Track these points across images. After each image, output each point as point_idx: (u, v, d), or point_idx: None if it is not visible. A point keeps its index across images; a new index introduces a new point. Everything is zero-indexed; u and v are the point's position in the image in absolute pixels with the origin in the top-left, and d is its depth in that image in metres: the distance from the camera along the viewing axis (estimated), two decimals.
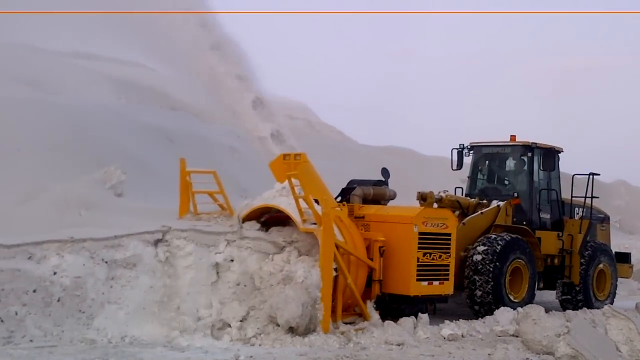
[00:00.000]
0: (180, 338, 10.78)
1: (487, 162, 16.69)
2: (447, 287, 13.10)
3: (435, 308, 13.32)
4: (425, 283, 12.73)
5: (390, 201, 14.02)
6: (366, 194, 13.56)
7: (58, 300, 10.26)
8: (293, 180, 11.90)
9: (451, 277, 13.15)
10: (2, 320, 9.86)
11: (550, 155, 15.85)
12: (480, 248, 14.18)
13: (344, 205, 13.03)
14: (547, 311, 12.78)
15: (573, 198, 16.90)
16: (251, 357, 9.86)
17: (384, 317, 12.48)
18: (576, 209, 17.00)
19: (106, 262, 10.74)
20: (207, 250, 11.48)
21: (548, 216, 16.20)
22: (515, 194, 15.59)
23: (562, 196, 16.81)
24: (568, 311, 14.93)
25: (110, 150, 17.26)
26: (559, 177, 16.72)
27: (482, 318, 13.56)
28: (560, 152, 16.64)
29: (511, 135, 16.26)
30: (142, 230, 11.27)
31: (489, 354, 10.55)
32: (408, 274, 12.50)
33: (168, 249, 11.33)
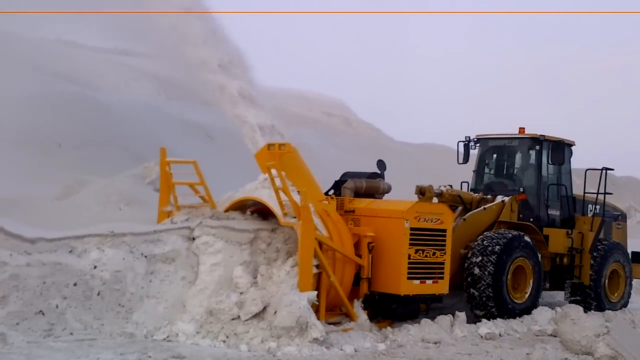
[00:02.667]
0: (215, 333, 10.38)
1: (493, 155, 15.89)
2: (441, 287, 12.34)
3: (429, 308, 12.57)
4: (417, 282, 11.99)
5: (386, 195, 13.31)
6: (358, 187, 12.86)
7: (98, 294, 10.20)
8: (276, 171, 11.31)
9: (446, 275, 12.38)
10: (43, 313, 9.76)
11: (559, 148, 14.99)
12: (480, 245, 13.40)
13: (332, 198, 12.33)
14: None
15: (586, 194, 16.03)
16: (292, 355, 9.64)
17: (374, 317, 11.89)
18: (589, 205, 16.15)
19: (145, 257, 10.71)
20: (238, 248, 11.08)
21: (557, 213, 15.35)
22: (521, 189, 14.79)
23: (574, 192, 15.98)
24: (607, 311, 14.36)
25: (149, 146, 17.20)
26: (570, 172, 15.87)
27: (520, 318, 13.16)
28: (571, 146, 15.78)
29: (520, 128, 15.46)
30: (181, 225, 11.19)
31: (527, 354, 10.20)
32: (398, 272, 11.77)
33: (196, 245, 11.10)
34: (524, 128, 15.42)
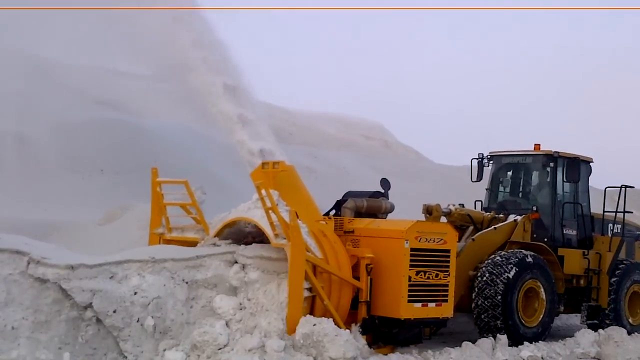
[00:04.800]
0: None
1: (507, 173, 15.35)
2: (445, 310, 11.77)
3: (433, 332, 12.02)
4: (419, 305, 11.42)
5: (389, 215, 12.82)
6: (359, 206, 12.36)
7: (137, 321, 9.83)
8: (271, 191, 10.89)
9: (451, 298, 11.82)
10: (85, 340, 9.58)
11: (574, 165, 14.40)
12: (489, 266, 12.84)
13: (330, 218, 11.86)
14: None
15: (605, 213, 15.39)
16: None
17: (375, 342, 11.37)
18: (610, 225, 15.50)
19: (187, 283, 10.37)
20: (275, 277, 10.59)
21: (574, 232, 14.74)
22: (535, 208, 14.20)
23: (593, 211, 15.35)
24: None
25: (190, 170, 17.27)
26: (588, 190, 15.26)
27: (562, 340, 12.97)
28: (589, 163, 15.20)
29: (535, 144, 14.92)
30: (224, 250, 10.89)
31: None
32: (398, 295, 11.22)
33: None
34: (539, 145, 14.88)
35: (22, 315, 9.30)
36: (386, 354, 11.14)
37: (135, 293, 9.92)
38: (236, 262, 10.71)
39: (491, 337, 12.24)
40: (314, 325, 10.12)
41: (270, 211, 10.29)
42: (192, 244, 11.53)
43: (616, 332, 12.03)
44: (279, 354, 9.62)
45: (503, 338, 12.21)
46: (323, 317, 10.34)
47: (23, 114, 17.97)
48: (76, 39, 14.54)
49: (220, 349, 9.91)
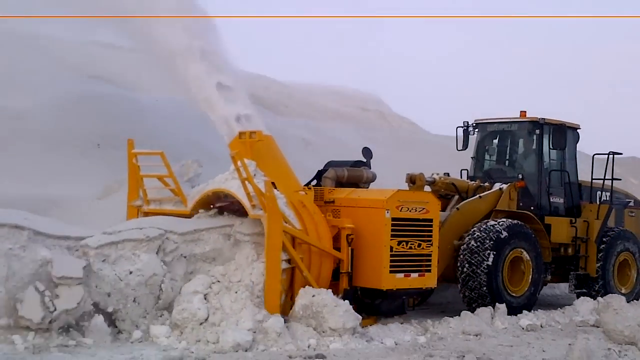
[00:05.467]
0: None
1: (492, 141, 15.10)
2: (429, 280, 11.58)
3: (417, 303, 11.84)
4: (401, 275, 11.22)
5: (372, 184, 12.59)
6: (339, 176, 12.12)
7: (134, 300, 9.75)
8: (248, 161, 10.68)
9: (434, 268, 11.63)
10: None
11: (561, 132, 14.15)
12: (474, 236, 12.63)
13: (309, 188, 11.63)
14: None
15: (594, 181, 15.16)
16: (334, 355, 9.24)
17: (358, 313, 11.12)
18: (598, 192, 15.28)
19: (185, 257, 10.29)
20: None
21: (561, 201, 14.52)
22: (520, 176, 13.98)
23: (581, 179, 15.13)
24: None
25: (186, 145, 17.37)
26: (576, 157, 15.03)
27: (561, 308, 13.08)
28: (576, 129, 14.97)
29: (521, 111, 14.66)
30: (223, 223, 10.68)
31: (569, 344, 9.67)
32: (379, 265, 11.01)
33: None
34: (525, 112, 14.63)
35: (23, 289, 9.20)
36: (369, 325, 10.95)
37: (131, 272, 9.76)
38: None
39: (490, 307, 12.17)
40: (313, 296, 10.10)
41: (246, 182, 10.06)
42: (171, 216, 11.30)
43: (615, 300, 12.01)
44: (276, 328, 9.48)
45: (502, 307, 12.13)
46: (322, 288, 10.27)
47: (17, 89, 17.83)
48: (67, 13, 14.32)
49: (201, 323, 9.68)
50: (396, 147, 28.28)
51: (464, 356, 9.19)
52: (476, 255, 12.44)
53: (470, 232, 12.74)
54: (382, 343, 10.17)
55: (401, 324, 11.19)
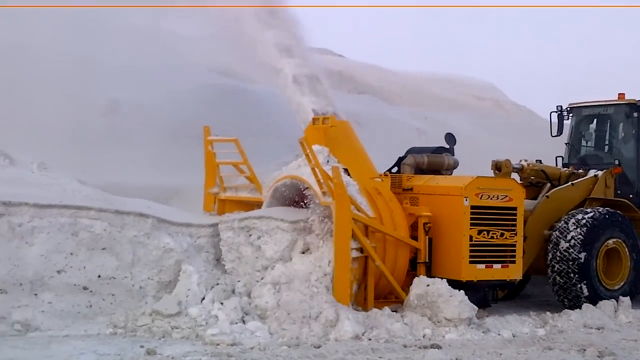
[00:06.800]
0: None
1: (588, 125, 14.28)
2: (513, 271, 11.03)
3: (498, 296, 11.32)
4: (483, 266, 10.73)
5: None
6: (419, 162, 11.70)
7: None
8: (321, 147, 10.44)
9: (519, 259, 11.06)
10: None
11: None
12: (566, 225, 11.93)
13: (386, 175, 11.23)
14: None
15: None
16: (449, 345, 9.10)
17: None
18: None
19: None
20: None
21: None
22: (617, 162, 13.18)
23: None
24: None
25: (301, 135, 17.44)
26: None
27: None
28: None
29: (619, 94, 13.82)
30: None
31: None
32: (459, 256, 10.56)
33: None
34: (623, 94, 13.79)
35: (147, 275, 9.73)
36: None
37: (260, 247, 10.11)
38: None
39: (613, 300, 11.63)
40: (428, 285, 9.97)
41: (315, 168, 9.77)
42: (247, 203, 11.16)
43: None
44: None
45: (626, 300, 11.65)
46: (436, 278, 10.12)
47: (140, 83, 18.28)
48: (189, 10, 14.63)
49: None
50: (512, 135, 27.75)
51: (584, 350, 8.89)
52: (566, 245, 11.75)
53: (562, 221, 12.05)
54: (499, 334, 9.99)
55: (519, 315, 10.94)
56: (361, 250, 9.87)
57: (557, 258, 11.79)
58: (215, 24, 14.55)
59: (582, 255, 11.67)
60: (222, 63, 23.46)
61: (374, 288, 10.15)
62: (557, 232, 11.91)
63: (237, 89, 20.11)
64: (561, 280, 11.77)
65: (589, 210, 12.09)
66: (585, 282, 11.67)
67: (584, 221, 11.83)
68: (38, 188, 9.93)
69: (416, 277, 10.23)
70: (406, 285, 10.59)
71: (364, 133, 20.32)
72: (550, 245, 11.94)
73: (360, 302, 10.02)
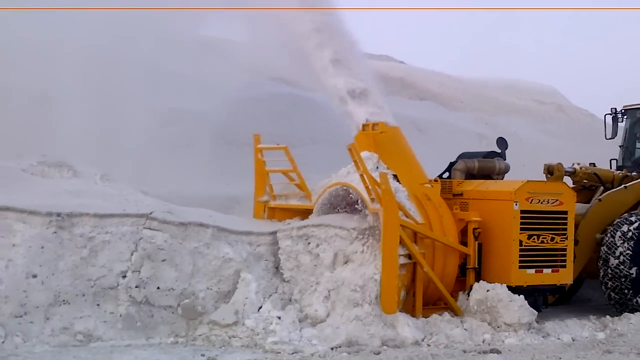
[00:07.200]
0: None
1: None
2: (563, 276, 10.98)
3: (546, 300, 11.25)
4: (532, 271, 10.70)
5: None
6: (469, 167, 11.71)
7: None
8: (370, 153, 10.53)
9: (569, 263, 11.01)
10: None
11: None
12: (618, 229, 11.81)
13: (436, 181, 11.27)
14: None
15: None
16: (509, 350, 9.23)
17: None
18: None
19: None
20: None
21: None
22: None
23: None
24: None
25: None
26: None
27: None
28: None
29: None
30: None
31: None
32: (508, 261, 10.56)
33: None
34: None
35: (207, 285, 9.79)
36: None
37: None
38: None
39: None
40: (488, 291, 10.11)
41: (363, 175, 9.87)
42: (296, 211, 11.28)
43: None
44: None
45: None
46: (496, 283, 10.22)
47: (200, 92, 18.57)
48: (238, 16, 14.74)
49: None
50: (574, 139, 27.53)
51: None
52: (618, 250, 11.64)
53: (613, 225, 11.94)
54: (558, 339, 10.07)
55: (579, 319, 10.99)
56: (409, 256, 9.93)
57: (609, 275, 11.66)
58: (269, 29, 14.64)
59: (634, 270, 11.54)
60: (279, 70, 23.67)
61: (423, 294, 10.20)
62: (605, 248, 11.78)
63: (297, 97, 20.28)
64: (616, 296, 11.66)
65: (633, 219, 11.89)
66: (636, 286, 11.55)
67: (629, 234, 11.67)
68: (102, 199, 10.12)
69: (476, 283, 10.34)
70: (455, 291, 10.66)
71: (425, 139, 20.45)
72: (601, 262, 11.82)
73: (408, 309, 10.06)
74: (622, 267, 11.55)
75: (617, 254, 11.60)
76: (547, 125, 30.82)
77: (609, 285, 11.71)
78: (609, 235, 11.79)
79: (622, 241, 11.61)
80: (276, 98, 19.52)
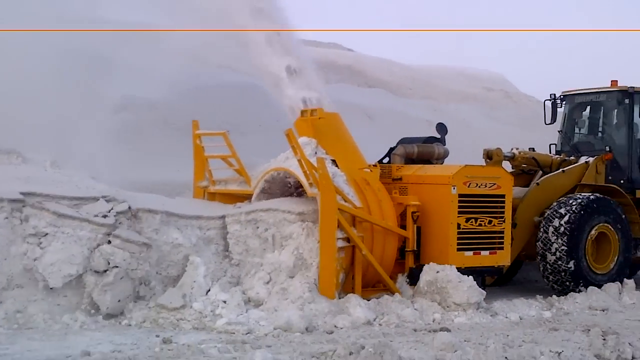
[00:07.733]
0: None
1: (581, 113, 14.32)
2: (501, 257, 11.16)
3: (484, 281, 11.39)
4: (470, 253, 10.86)
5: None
6: (409, 152, 11.81)
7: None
8: (309, 139, 10.59)
9: (507, 245, 11.19)
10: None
11: None
12: (555, 210, 12.01)
13: (375, 166, 11.35)
14: None
15: None
16: (459, 329, 9.31)
17: None
18: None
19: None
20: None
21: None
22: (608, 148, 13.25)
23: None
24: None
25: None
26: None
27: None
28: None
29: (612, 81, 13.87)
30: None
31: None
32: (446, 243, 10.69)
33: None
34: (616, 81, 13.84)
35: (155, 270, 9.83)
36: None
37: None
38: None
39: (618, 282, 11.89)
40: (437, 272, 10.23)
41: (300, 160, 9.90)
42: (236, 196, 11.29)
43: None
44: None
45: (630, 282, 11.87)
46: (446, 265, 10.32)
47: (149, 80, 18.40)
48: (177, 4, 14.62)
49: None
50: (520, 125, 27.96)
51: (589, 330, 8.93)
52: (555, 231, 11.84)
53: (551, 207, 12.14)
54: (506, 317, 10.30)
55: (526, 299, 11.20)
56: (348, 240, 10.00)
57: (549, 270, 11.90)
58: (209, 18, 14.55)
59: (572, 263, 11.77)
60: (229, 59, 23.61)
61: (362, 277, 10.27)
62: (540, 244, 11.97)
63: (246, 84, 20.07)
64: (559, 288, 11.87)
65: (563, 212, 12.00)
66: (572, 266, 11.76)
67: (562, 229, 11.82)
68: (53, 186, 9.97)
69: (426, 265, 10.44)
70: (395, 274, 10.76)
71: (375, 126, 20.52)
72: (539, 258, 12.01)
73: (347, 291, 10.12)
74: (559, 262, 11.77)
75: (553, 250, 11.81)
76: (495, 112, 31.23)
77: (550, 279, 11.95)
78: (542, 230, 11.98)
79: (555, 237, 11.82)
80: (225, 86, 19.51)
